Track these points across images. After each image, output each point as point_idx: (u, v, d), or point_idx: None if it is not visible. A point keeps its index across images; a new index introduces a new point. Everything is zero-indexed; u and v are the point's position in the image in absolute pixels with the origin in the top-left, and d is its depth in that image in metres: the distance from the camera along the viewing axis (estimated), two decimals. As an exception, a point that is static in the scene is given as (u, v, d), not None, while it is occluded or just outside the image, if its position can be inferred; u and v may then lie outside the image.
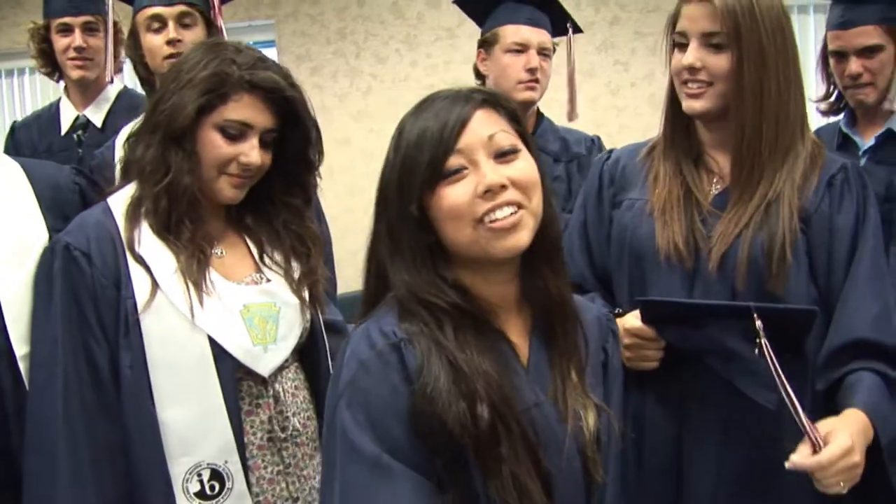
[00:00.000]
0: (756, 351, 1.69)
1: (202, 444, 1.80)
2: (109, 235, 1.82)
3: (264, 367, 1.87)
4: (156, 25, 2.57)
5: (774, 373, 1.65)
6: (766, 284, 1.83)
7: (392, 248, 1.47)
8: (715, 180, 1.97)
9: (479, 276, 1.48)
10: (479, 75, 3.08)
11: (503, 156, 1.43)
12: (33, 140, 3.18)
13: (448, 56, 6.04)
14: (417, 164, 1.42)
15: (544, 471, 1.40)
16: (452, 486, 1.38)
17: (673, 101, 1.98)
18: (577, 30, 3.17)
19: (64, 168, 2.15)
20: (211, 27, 2.64)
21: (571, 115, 3.20)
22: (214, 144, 1.84)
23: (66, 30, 3.00)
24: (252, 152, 1.84)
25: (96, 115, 3.07)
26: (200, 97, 1.82)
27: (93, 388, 1.77)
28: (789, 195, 1.87)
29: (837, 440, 1.62)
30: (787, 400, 1.63)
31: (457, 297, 1.44)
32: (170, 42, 2.55)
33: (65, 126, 3.13)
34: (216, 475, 1.81)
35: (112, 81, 3.08)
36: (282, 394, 1.90)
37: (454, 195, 1.41)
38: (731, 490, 1.89)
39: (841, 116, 2.88)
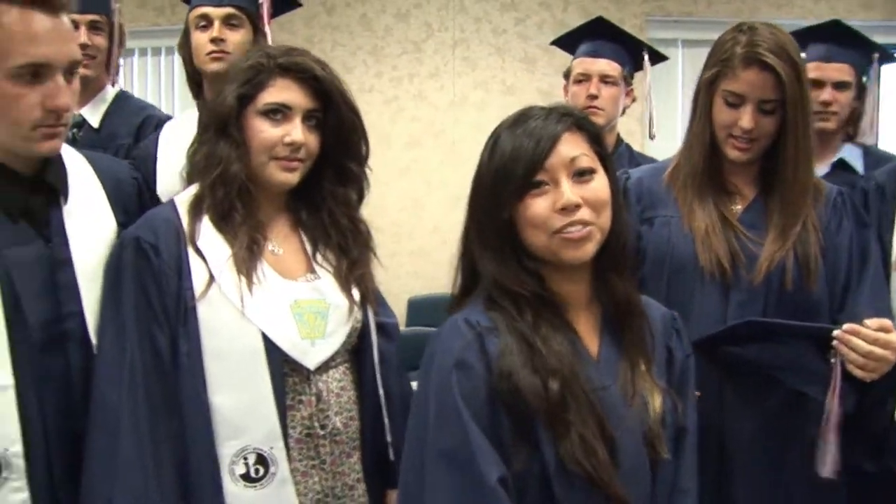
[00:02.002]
0: (832, 361, 1.95)
1: (250, 428, 1.88)
2: (175, 230, 1.91)
3: (311, 361, 1.94)
4: (203, 24, 2.68)
5: (834, 387, 1.95)
6: (803, 285, 2.13)
7: (482, 245, 1.67)
8: (737, 200, 2.24)
9: (555, 274, 1.67)
10: None
11: (580, 175, 1.63)
12: None
13: (413, 69, 6.15)
14: (510, 175, 1.62)
15: (609, 437, 1.58)
16: (523, 448, 1.56)
17: (711, 144, 2.20)
18: (657, 58, 3.51)
19: (122, 162, 2.25)
20: (257, 31, 2.73)
21: (650, 133, 3.60)
22: (259, 129, 1.94)
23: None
24: (295, 131, 1.94)
25: (93, 116, 3.03)
26: (240, 88, 1.95)
27: (156, 374, 1.85)
28: (811, 216, 2.17)
29: (884, 322, 1.93)
30: (832, 413, 1.95)
31: (536, 287, 1.64)
32: (213, 40, 2.65)
33: None
34: (261, 460, 1.88)
35: (115, 84, 3.10)
36: (325, 392, 1.96)
37: (536, 207, 1.61)
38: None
39: None
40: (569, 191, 1.60)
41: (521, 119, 1.66)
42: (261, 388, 1.89)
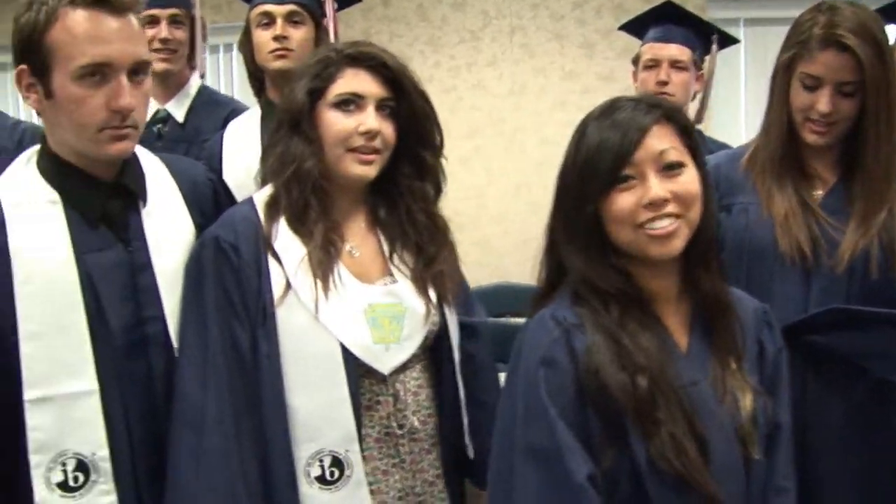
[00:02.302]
0: None
1: (326, 432, 1.87)
2: (254, 228, 1.91)
3: (384, 366, 1.92)
4: (265, 21, 2.67)
5: None
6: (889, 273, 2.08)
7: (568, 239, 1.64)
8: (817, 185, 2.19)
9: (643, 268, 1.64)
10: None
11: (669, 169, 1.58)
12: None
13: (471, 58, 6.11)
14: (597, 169, 1.58)
15: (700, 435, 1.54)
16: (612, 446, 1.54)
17: (788, 128, 2.16)
18: (727, 41, 3.43)
19: (197, 164, 2.25)
20: (319, 27, 2.73)
21: (700, 117, 3.46)
22: (333, 122, 1.92)
23: (153, 22, 2.99)
24: (369, 119, 1.91)
25: (178, 111, 3.06)
26: (309, 82, 1.93)
27: (238, 371, 1.85)
28: None
29: None
30: None
31: (623, 284, 1.61)
32: (276, 38, 2.65)
33: None
34: (336, 462, 1.87)
35: (204, 76, 3.12)
36: (402, 392, 1.95)
37: (621, 202, 1.57)
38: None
39: None
40: (656, 186, 1.56)
41: (609, 110, 1.62)
42: (337, 392, 1.88)
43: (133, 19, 1.78)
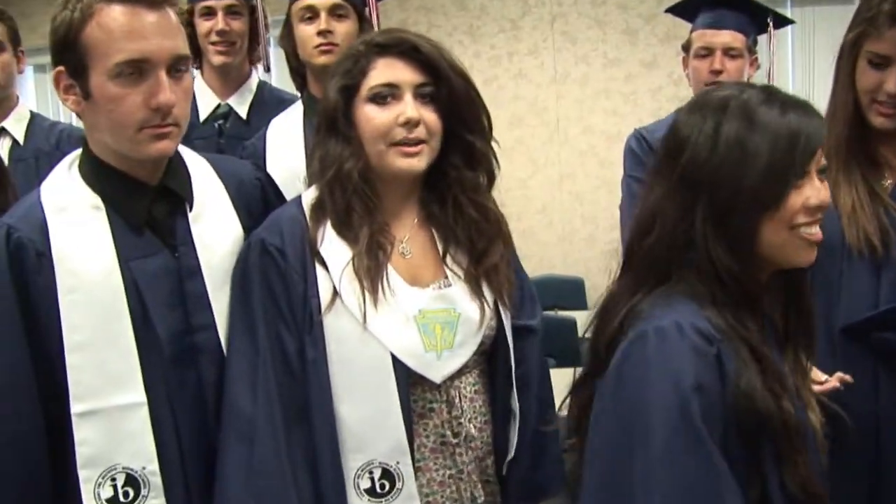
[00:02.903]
0: None
1: (375, 442, 1.80)
2: (301, 232, 1.84)
3: (436, 374, 1.85)
4: (308, 16, 2.61)
5: None
6: None
7: (718, 234, 1.47)
8: (886, 173, 2.11)
9: (760, 273, 1.54)
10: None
11: (821, 173, 1.49)
12: None
13: (511, 47, 6.06)
14: (785, 168, 1.45)
15: (813, 454, 1.46)
16: (753, 479, 1.42)
17: (855, 111, 2.07)
18: (783, 22, 3.28)
19: (245, 163, 2.18)
20: (363, 21, 2.66)
21: None
22: (370, 117, 1.83)
23: (209, 13, 2.93)
24: (408, 108, 1.81)
25: (241, 106, 3.00)
26: (341, 79, 1.86)
27: (286, 377, 1.79)
28: None
29: None
30: None
31: (757, 290, 1.51)
32: (321, 33, 2.58)
33: (203, 113, 3.01)
34: (387, 474, 1.81)
35: (269, 69, 3.05)
36: (457, 399, 1.88)
37: (795, 200, 1.46)
38: None
39: None
40: (821, 189, 1.47)
41: (772, 103, 1.48)
42: (387, 401, 1.81)
43: (171, 13, 1.72)
